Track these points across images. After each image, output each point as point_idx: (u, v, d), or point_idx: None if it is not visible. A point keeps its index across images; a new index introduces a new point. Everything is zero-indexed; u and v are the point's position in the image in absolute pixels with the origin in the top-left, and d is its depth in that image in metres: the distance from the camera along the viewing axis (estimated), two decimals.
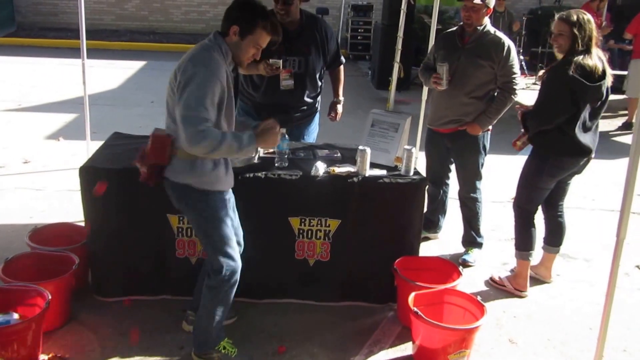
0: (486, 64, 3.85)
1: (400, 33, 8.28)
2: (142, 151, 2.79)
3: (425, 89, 5.93)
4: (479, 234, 4.32)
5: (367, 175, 3.43)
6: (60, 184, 5.19)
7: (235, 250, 2.89)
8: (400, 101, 8.99)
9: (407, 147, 3.51)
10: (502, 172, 5.76)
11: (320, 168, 3.38)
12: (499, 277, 4.04)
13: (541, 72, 4.02)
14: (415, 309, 2.96)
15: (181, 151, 2.67)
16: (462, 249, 4.40)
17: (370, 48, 12.46)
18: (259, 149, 3.35)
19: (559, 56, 3.50)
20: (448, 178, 4.37)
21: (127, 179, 3.22)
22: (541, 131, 3.57)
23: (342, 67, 4.27)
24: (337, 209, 3.43)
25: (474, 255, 4.31)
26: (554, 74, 3.49)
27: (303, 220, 3.43)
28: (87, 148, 5.59)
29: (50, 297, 2.84)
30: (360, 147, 3.43)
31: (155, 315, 3.39)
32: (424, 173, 3.71)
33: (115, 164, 3.34)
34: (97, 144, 5.66)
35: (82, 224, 3.48)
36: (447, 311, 3.25)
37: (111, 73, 10.15)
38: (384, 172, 3.51)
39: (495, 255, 4.46)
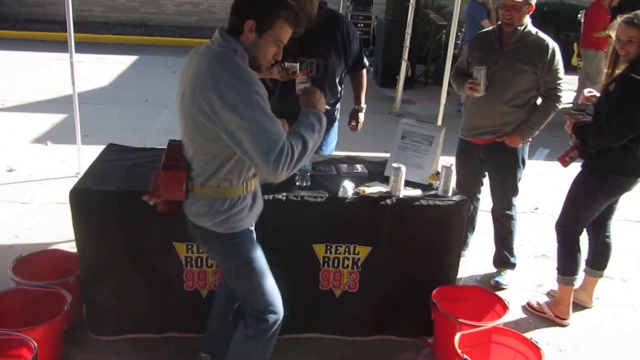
0: (528, 68, 3.45)
1: (409, 30, 7.93)
2: (153, 185, 2.38)
3: (444, 88, 5.53)
4: (512, 254, 3.94)
5: (401, 196, 3.02)
6: (49, 196, 4.72)
7: (277, 294, 2.47)
8: (406, 100, 8.59)
9: (445, 164, 3.10)
10: (524, 179, 5.38)
11: (348, 188, 2.97)
12: (537, 303, 3.67)
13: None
14: (466, 357, 2.56)
15: (198, 187, 2.27)
16: (492, 269, 4.02)
17: (370, 43, 12.06)
18: None
19: (621, 65, 3.11)
20: (479, 192, 3.98)
21: (126, 202, 2.82)
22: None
23: (365, 70, 3.85)
24: (368, 234, 3.03)
25: (507, 276, 3.93)
26: (627, 86, 3.07)
27: (329, 247, 3.02)
28: (78, 154, 5.15)
29: (37, 348, 2.41)
30: (394, 165, 3.02)
31: (160, 356, 2.99)
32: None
33: (111, 183, 2.91)
34: (88, 149, 5.22)
35: (74, 245, 3.04)
36: (495, 353, 2.86)
37: (102, 69, 9.64)
38: (419, 192, 3.11)
39: (528, 275, 4.09)
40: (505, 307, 3.03)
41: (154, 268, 2.95)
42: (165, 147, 2.40)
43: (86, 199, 2.82)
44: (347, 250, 3.04)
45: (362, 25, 12.31)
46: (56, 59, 9.47)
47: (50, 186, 4.91)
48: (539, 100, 3.59)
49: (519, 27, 3.48)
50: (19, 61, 9.84)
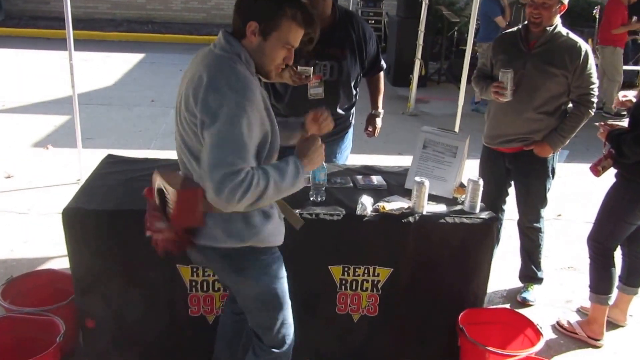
0: (559, 72, 3.18)
1: (422, 27, 7.65)
2: (155, 212, 2.06)
3: (462, 88, 5.25)
4: (539, 268, 3.69)
5: (424, 213, 2.78)
6: (48, 206, 4.47)
7: (293, 324, 2.27)
8: (419, 99, 8.31)
9: (472, 177, 2.85)
10: None
11: (367, 205, 2.72)
12: (568, 322, 3.41)
13: None
14: None
15: None
16: (517, 283, 3.77)
17: (382, 40, 11.77)
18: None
19: None
20: (504, 203, 3.71)
21: (124, 222, 2.59)
22: None
23: (382, 73, 3.60)
24: (388, 255, 2.78)
25: (534, 292, 3.68)
26: None
27: (346, 269, 2.78)
28: (79, 159, 4.92)
29: None
30: (417, 179, 2.77)
31: None
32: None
33: (107, 201, 2.67)
34: (91, 153, 5.03)
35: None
36: None
37: (107, 67, 9.42)
38: (443, 207, 2.87)
39: (556, 290, 3.83)
40: (538, 333, 2.78)
41: (156, 293, 2.72)
42: (159, 174, 2.09)
43: (80, 219, 2.58)
44: (366, 271, 2.80)
45: (372, 22, 12.02)
46: (61, 57, 9.21)
47: (49, 194, 4.69)
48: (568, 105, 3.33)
49: (548, 28, 3.21)
50: (22, 60, 9.63)
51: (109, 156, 3.26)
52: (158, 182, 2.06)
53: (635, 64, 9.36)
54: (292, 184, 1.95)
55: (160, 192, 2.05)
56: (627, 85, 8.40)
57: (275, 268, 2.16)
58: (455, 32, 9.99)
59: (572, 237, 4.56)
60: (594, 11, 8.88)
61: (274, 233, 2.13)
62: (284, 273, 2.19)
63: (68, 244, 2.62)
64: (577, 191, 5.24)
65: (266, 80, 3.17)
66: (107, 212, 2.60)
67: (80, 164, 4.87)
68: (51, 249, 3.78)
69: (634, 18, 8.05)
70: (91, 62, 9.47)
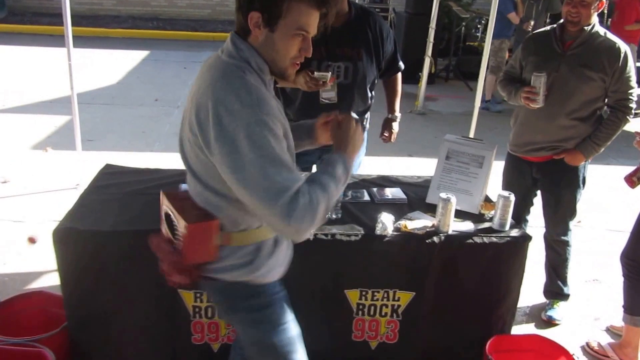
0: (596, 75, 2.93)
1: (433, 24, 7.38)
2: (165, 247, 1.81)
3: (480, 85, 4.97)
4: (565, 283, 3.43)
5: (450, 232, 2.53)
6: (45, 213, 4.22)
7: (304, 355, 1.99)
8: (428, 97, 8.04)
9: (503, 193, 2.61)
10: None
11: (387, 224, 2.48)
12: (599, 344, 3.16)
13: None
14: None
15: (235, 236, 1.77)
16: (541, 299, 3.53)
17: None
18: None
19: None
20: (528, 214, 3.46)
21: (121, 243, 2.36)
22: None
23: (399, 74, 3.35)
24: (410, 278, 2.54)
25: (560, 310, 3.43)
26: None
27: (364, 293, 2.54)
28: (78, 165, 4.69)
29: None
30: (443, 195, 2.52)
31: None
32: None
33: (103, 220, 2.42)
34: (91, 156, 4.81)
35: None
36: None
37: (111, 65, 9.18)
38: (470, 225, 2.62)
39: (582, 306, 3.59)
40: None
41: (157, 319, 2.49)
42: (168, 200, 1.84)
43: (74, 241, 2.35)
44: (385, 296, 2.56)
45: None
46: (64, 55, 9.03)
47: (46, 200, 4.45)
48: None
49: (585, 28, 2.95)
50: (25, 57, 9.40)
51: (107, 166, 3.03)
52: (165, 206, 1.82)
53: None
54: (344, 184, 1.74)
55: (168, 217, 1.82)
56: None
57: (270, 313, 1.87)
58: (463, 28, 9.69)
59: (594, 246, 4.31)
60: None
61: (274, 268, 1.86)
62: (286, 318, 1.90)
63: (60, 267, 2.39)
64: (597, 197, 4.97)
65: (282, 85, 2.98)
66: (103, 233, 2.36)
67: (79, 168, 4.64)
68: (47, 262, 3.54)
69: None
70: (94, 59, 9.22)
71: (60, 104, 6.81)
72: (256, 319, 1.87)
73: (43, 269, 3.51)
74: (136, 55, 9.98)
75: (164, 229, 1.86)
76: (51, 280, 3.34)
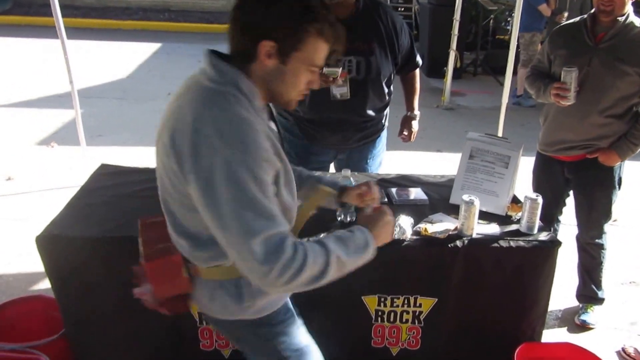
0: (631, 70, 2.72)
1: (457, 16, 7.17)
2: (142, 282, 1.71)
3: (508, 80, 4.78)
4: (599, 287, 3.26)
5: (474, 236, 2.38)
6: (49, 212, 4.03)
7: None
8: (455, 92, 7.83)
9: (530, 195, 2.44)
10: None
11: (406, 227, 2.33)
12: (636, 350, 3.01)
13: None
14: None
15: (204, 270, 1.64)
16: (574, 303, 3.36)
17: (412, 29, 11.24)
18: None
19: None
20: (561, 214, 3.28)
21: (112, 250, 2.23)
22: None
23: (417, 70, 3.19)
24: (432, 283, 2.39)
25: (594, 314, 3.26)
26: None
27: (383, 299, 2.40)
28: (82, 159, 4.57)
29: None
30: (466, 198, 2.37)
31: None
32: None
33: (92, 226, 2.28)
34: (100, 152, 4.69)
35: None
36: None
37: (121, 58, 9.05)
38: (495, 227, 2.46)
39: (618, 309, 3.41)
40: None
41: (161, 327, 2.35)
42: (140, 228, 1.76)
43: (60, 247, 2.21)
44: (405, 302, 2.41)
45: (402, 9, 11.50)
46: (73, 47, 8.93)
47: (52, 199, 4.31)
48: None
49: (619, 18, 2.76)
50: (31, 50, 9.26)
51: (102, 166, 2.89)
52: (140, 238, 1.73)
53: None
54: (358, 258, 1.55)
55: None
56: None
57: (284, 340, 1.73)
58: (491, 21, 9.42)
59: (631, 246, 4.12)
60: None
61: (270, 300, 1.71)
62: (297, 344, 1.76)
63: (48, 274, 2.27)
64: (634, 195, 4.75)
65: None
66: (91, 240, 2.22)
67: (84, 165, 4.52)
68: None
69: None
70: (105, 52, 9.11)
71: (67, 98, 6.60)
72: (267, 348, 1.73)
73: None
74: (147, 48, 9.86)
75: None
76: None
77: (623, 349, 3.06)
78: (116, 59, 8.96)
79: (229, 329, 1.75)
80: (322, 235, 1.56)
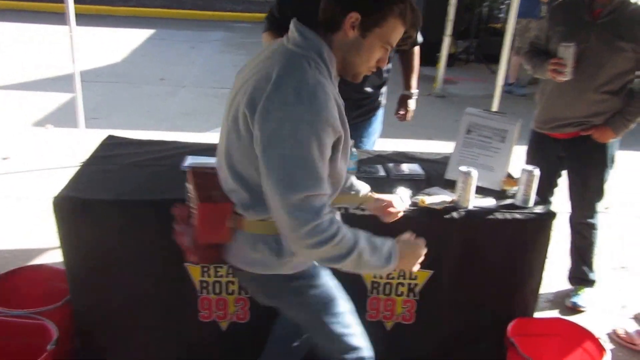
0: (628, 46, 2.76)
1: (453, 1, 7.18)
2: (181, 222, 1.82)
3: (502, 67, 4.80)
4: (591, 269, 3.28)
5: (471, 208, 2.40)
6: (46, 191, 4.01)
7: (363, 335, 1.97)
8: (447, 80, 7.84)
9: (527, 167, 2.46)
10: None
11: (405, 198, 2.34)
12: (626, 332, 3.03)
13: None
14: None
15: (249, 223, 1.71)
16: (566, 285, 3.38)
17: None
18: None
19: None
20: (552, 195, 3.30)
21: (126, 214, 2.24)
22: None
23: (417, 48, 3.19)
24: (428, 255, 2.35)
25: (585, 296, 3.28)
26: None
27: None
28: (81, 140, 4.57)
29: None
30: (463, 169, 2.38)
31: None
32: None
33: (107, 190, 2.30)
34: (95, 133, 4.65)
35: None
36: None
37: (115, 43, 9.02)
38: (491, 201, 2.48)
39: (609, 293, 3.44)
40: (601, 349, 2.40)
41: (162, 295, 2.37)
42: (191, 175, 1.85)
43: (75, 210, 2.22)
44: (401, 274, 2.43)
45: None
46: (66, 32, 8.90)
47: (48, 178, 4.31)
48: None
49: None
50: (25, 35, 9.23)
51: (110, 137, 2.90)
52: (189, 184, 1.85)
53: None
54: (375, 267, 1.69)
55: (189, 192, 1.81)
56: None
57: (315, 293, 1.83)
58: (486, 9, 9.43)
59: (622, 233, 4.16)
60: None
61: (305, 260, 1.80)
62: (331, 294, 1.86)
63: (61, 239, 2.26)
64: (624, 182, 4.80)
65: None
66: (107, 202, 2.23)
67: (82, 145, 4.51)
68: (49, 239, 3.42)
69: None
70: (98, 37, 9.06)
71: (62, 81, 6.68)
72: (299, 301, 1.82)
73: (45, 246, 3.41)
74: (141, 34, 9.82)
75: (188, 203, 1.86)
76: (53, 257, 3.22)
77: (614, 331, 3.09)
78: (110, 44, 8.92)
79: (263, 284, 1.81)
80: (361, 232, 1.67)
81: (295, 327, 2.06)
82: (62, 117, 5.60)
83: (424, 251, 1.81)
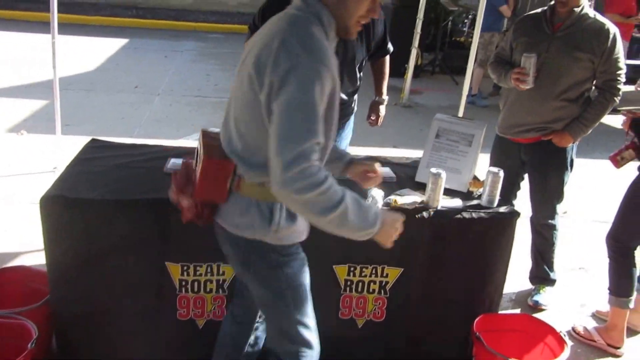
0: (585, 56, 2.94)
1: (421, 15, 7.38)
2: (182, 178, 1.89)
3: (467, 79, 4.98)
4: (552, 269, 3.44)
5: (439, 207, 2.52)
6: (19, 195, 4.10)
7: (315, 332, 1.98)
8: (413, 91, 8.03)
9: (492, 169, 2.60)
10: None
11: (378, 198, 2.46)
12: (585, 329, 3.18)
13: None
14: None
15: (247, 186, 1.77)
16: (527, 285, 3.53)
17: None
18: None
19: None
20: (515, 198, 3.45)
21: (109, 213, 2.30)
22: None
23: (387, 57, 3.32)
24: (399, 253, 2.50)
25: (546, 295, 3.43)
26: None
27: (352, 268, 2.52)
28: (56, 146, 4.58)
29: None
30: (433, 170, 2.51)
31: None
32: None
33: (91, 190, 2.36)
34: (70, 140, 4.69)
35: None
36: None
37: (89, 52, 8.99)
38: (458, 201, 2.61)
39: (568, 292, 3.59)
40: (562, 342, 2.54)
41: (142, 293, 2.43)
42: (201, 135, 1.92)
43: (61, 209, 2.28)
44: (373, 272, 2.54)
45: None
46: (41, 40, 8.80)
47: (22, 183, 4.32)
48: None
49: (575, 9, 2.96)
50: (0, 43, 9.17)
51: (93, 140, 2.96)
52: (199, 142, 1.91)
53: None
54: (359, 228, 1.66)
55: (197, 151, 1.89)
56: (630, 80, 8.19)
57: (288, 272, 1.87)
58: (450, 23, 9.72)
59: (580, 235, 4.34)
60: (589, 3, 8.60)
61: (297, 231, 1.86)
62: (301, 279, 1.91)
63: (45, 237, 2.32)
64: (581, 188, 5.02)
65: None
66: (91, 202, 2.29)
67: (57, 151, 4.53)
68: (23, 243, 3.45)
69: None
70: (72, 46, 9.02)
71: (36, 88, 6.66)
72: (270, 275, 1.86)
73: (23, 249, 3.41)
74: (115, 43, 9.80)
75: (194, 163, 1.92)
76: (31, 259, 3.24)
77: (573, 329, 3.22)
78: (84, 53, 8.89)
79: (243, 248, 1.84)
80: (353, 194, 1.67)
81: (239, 338, 2.14)
82: (36, 124, 5.59)
83: (401, 227, 1.81)
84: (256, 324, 2.17)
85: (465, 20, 9.79)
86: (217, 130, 1.93)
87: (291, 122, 1.57)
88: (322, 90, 1.60)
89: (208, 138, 1.88)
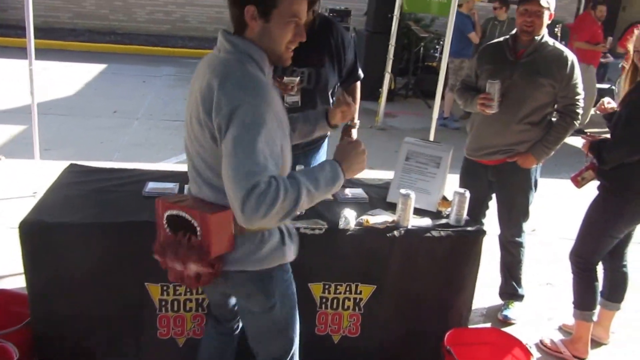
0: (547, 82, 3.11)
1: (393, 41, 7.62)
2: (187, 243, 1.79)
3: (437, 103, 5.17)
4: (519, 284, 3.58)
5: (409, 227, 2.64)
6: (11, 218, 4.05)
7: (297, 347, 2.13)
8: (387, 113, 8.22)
9: (458, 190, 2.74)
10: None
11: (350, 218, 2.57)
12: (552, 341, 3.31)
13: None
14: None
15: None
16: (497, 301, 3.65)
17: None
18: None
19: None
20: (484, 217, 3.59)
21: (89, 236, 2.38)
22: (620, 166, 2.87)
23: (358, 83, 3.47)
24: (372, 271, 2.63)
25: (515, 310, 3.56)
26: None
27: (327, 286, 2.62)
28: (36, 171, 4.63)
29: None
30: (403, 191, 2.63)
31: None
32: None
33: (71, 214, 2.44)
34: (49, 165, 4.74)
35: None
36: None
37: (67, 77, 9.05)
38: (428, 221, 2.74)
39: (536, 307, 3.72)
40: (528, 354, 2.66)
41: (122, 314, 2.50)
42: (165, 203, 1.88)
43: (40, 233, 2.35)
44: (347, 289, 2.64)
45: None
46: (17, 66, 8.84)
47: (1, 208, 4.35)
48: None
49: (536, 37, 3.14)
50: None
51: (72, 165, 3.03)
52: (170, 210, 1.84)
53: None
54: (327, 191, 1.77)
55: (176, 220, 1.83)
56: (596, 102, 8.51)
57: (293, 289, 2.05)
58: (422, 48, 10.00)
59: (548, 252, 4.50)
60: (556, 29, 8.95)
61: (286, 249, 1.97)
62: (295, 298, 2.07)
63: (25, 260, 2.38)
64: (548, 207, 5.20)
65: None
66: (71, 225, 2.37)
67: (36, 176, 4.57)
68: (3, 266, 3.48)
69: (609, 39, 8.16)
70: (50, 71, 9.08)
71: (15, 114, 6.69)
72: (284, 297, 1.98)
73: (2, 273, 3.43)
74: (93, 69, 9.87)
75: (165, 234, 1.87)
76: (11, 282, 3.27)
77: (541, 341, 3.35)
78: (62, 78, 8.94)
79: (265, 281, 1.92)
80: (297, 171, 1.77)
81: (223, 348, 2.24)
82: (15, 149, 5.63)
83: (364, 149, 1.89)
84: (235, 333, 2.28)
85: (437, 46, 10.08)
86: (170, 186, 1.94)
87: (239, 162, 1.62)
88: (265, 125, 1.66)
89: (181, 201, 1.85)
